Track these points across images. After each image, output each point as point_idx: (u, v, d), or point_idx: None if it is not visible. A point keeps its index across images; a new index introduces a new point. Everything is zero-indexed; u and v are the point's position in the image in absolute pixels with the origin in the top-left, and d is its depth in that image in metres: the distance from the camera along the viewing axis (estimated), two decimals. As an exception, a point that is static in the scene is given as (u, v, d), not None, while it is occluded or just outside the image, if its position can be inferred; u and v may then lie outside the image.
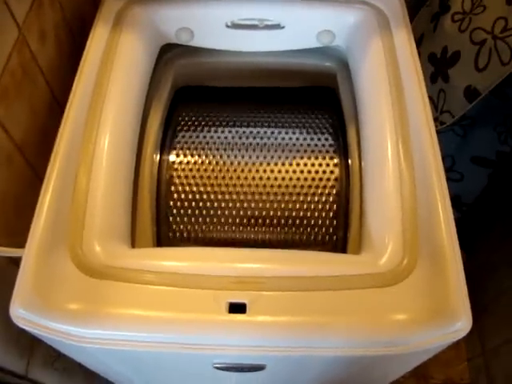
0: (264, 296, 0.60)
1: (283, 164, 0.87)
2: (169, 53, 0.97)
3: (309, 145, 0.89)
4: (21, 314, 0.59)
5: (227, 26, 0.88)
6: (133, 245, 0.74)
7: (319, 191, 0.85)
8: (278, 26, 0.88)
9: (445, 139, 1.11)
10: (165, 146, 0.91)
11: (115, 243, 0.66)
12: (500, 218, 1.28)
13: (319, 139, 0.90)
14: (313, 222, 0.84)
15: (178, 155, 0.90)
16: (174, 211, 0.86)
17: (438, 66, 1.06)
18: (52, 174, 0.67)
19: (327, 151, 0.88)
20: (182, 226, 0.85)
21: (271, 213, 0.84)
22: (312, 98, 1.00)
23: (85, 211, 0.65)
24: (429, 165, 0.69)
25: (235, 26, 0.88)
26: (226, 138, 0.91)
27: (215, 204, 0.86)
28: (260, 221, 0.84)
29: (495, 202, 1.28)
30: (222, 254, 0.67)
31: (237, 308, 0.59)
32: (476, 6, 0.98)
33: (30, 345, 0.83)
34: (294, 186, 0.86)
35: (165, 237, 0.84)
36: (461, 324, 0.59)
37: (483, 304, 1.28)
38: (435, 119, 1.07)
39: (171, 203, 0.86)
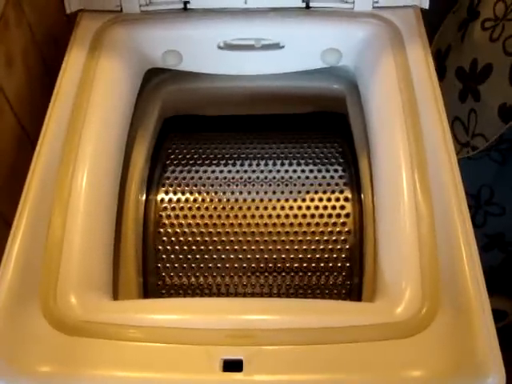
0: (263, 351, 0.62)
1: (287, 200, 0.92)
2: (155, 78, 1.03)
3: (316, 177, 0.94)
4: (-16, 381, 0.62)
5: (219, 47, 0.93)
6: (115, 296, 0.77)
7: (329, 230, 0.90)
8: (277, 46, 0.93)
9: (480, 167, 1.14)
10: (152, 183, 0.96)
11: (94, 295, 0.69)
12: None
13: (328, 171, 0.95)
14: (322, 265, 0.88)
15: (167, 193, 0.95)
16: (163, 257, 0.90)
17: (467, 81, 1.10)
18: (22, 218, 0.71)
19: (337, 184, 0.93)
20: (172, 274, 0.89)
21: (274, 256, 0.89)
22: (319, 125, 1.05)
23: (59, 260, 0.69)
24: (449, 199, 0.72)
25: (228, 46, 0.93)
26: (221, 172, 0.97)
27: (211, 247, 0.90)
28: (262, 265, 0.88)
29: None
30: (214, 304, 0.70)
31: (232, 365, 0.61)
32: (510, 11, 1.02)
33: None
34: (300, 225, 0.90)
35: (152, 286, 0.88)
36: (492, 380, 0.61)
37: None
38: (466, 144, 1.10)
39: (160, 247, 0.91)
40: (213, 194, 0.94)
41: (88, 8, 0.94)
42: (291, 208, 0.92)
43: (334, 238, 0.90)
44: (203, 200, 0.94)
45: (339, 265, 0.88)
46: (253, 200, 0.94)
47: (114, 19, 0.93)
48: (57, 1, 1.00)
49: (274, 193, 0.94)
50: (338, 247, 0.89)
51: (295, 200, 0.93)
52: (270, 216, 0.92)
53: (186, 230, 0.92)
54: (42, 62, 0.99)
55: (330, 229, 0.90)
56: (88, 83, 0.84)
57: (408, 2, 0.93)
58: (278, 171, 0.96)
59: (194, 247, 0.90)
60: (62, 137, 0.79)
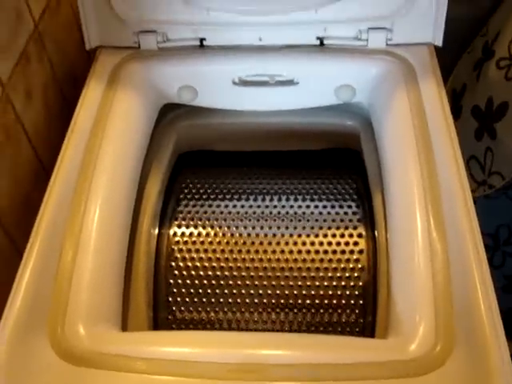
0: (270, 387, 0.61)
1: (300, 236, 0.92)
2: (170, 114, 1.04)
3: (329, 213, 0.94)
4: (-9, 413, 0.62)
5: (234, 83, 0.94)
6: (124, 329, 0.77)
7: (342, 266, 0.89)
8: (291, 82, 0.94)
9: (498, 206, 1.13)
10: (165, 217, 0.96)
11: (103, 326, 0.69)
12: None
13: (341, 207, 0.95)
14: (335, 302, 0.87)
15: (179, 227, 0.95)
16: (174, 290, 0.89)
17: (483, 120, 1.11)
18: (33, 247, 0.72)
19: (350, 220, 0.93)
20: (183, 308, 0.88)
21: (287, 292, 0.88)
22: (333, 161, 1.05)
23: (69, 290, 0.69)
24: (464, 235, 0.71)
25: (243, 82, 0.94)
26: (234, 207, 0.97)
27: (222, 282, 0.89)
28: (274, 302, 0.87)
29: None
30: (222, 338, 0.69)
31: (238, 402, 0.61)
32: (525, 50, 1.03)
33: None
34: (313, 261, 0.90)
35: (163, 320, 0.87)
36: (508, 421, 0.59)
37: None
38: (483, 182, 1.10)
39: (171, 281, 0.90)
40: (225, 229, 0.94)
41: (107, 44, 0.96)
42: (304, 244, 0.92)
43: (347, 274, 0.89)
44: (216, 234, 0.94)
45: (352, 302, 0.87)
46: (265, 235, 0.93)
47: (131, 55, 0.94)
48: (78, 39, 1.02)
49: (287, 228, 0.93)
50: (352, 284, 0.88)
51: (308, 236, 0.92)
52: (282, 251, 0.91)
53: (198, 264, 0.91)
54: (61, 98, 1.01)
55: (343, 265, 0.89)
56: (104, 116, 0.85)
57: (422, 40, 0.93)
58: (292, 207, 0.96)
59: (205, 282, 0.90)
60: (76, 168, 0.80)
